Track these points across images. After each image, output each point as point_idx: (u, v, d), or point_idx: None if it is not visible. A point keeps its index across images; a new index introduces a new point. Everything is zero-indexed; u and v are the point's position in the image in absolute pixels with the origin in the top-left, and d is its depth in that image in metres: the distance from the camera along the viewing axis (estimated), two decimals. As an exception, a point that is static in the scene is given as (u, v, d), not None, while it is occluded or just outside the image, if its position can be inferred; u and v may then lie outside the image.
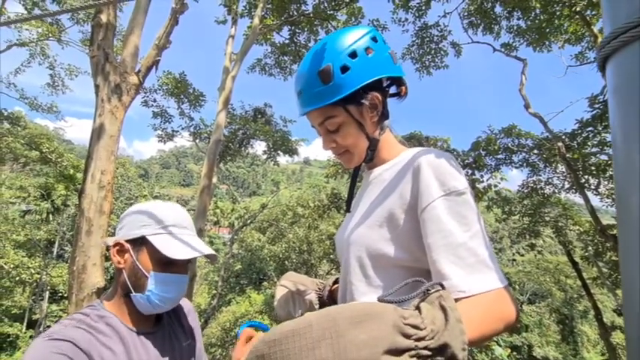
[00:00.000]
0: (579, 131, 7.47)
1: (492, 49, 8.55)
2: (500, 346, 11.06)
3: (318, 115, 0.79)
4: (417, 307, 0.49)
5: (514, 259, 26.45)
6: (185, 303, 1.06)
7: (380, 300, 0.51)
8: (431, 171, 0.68)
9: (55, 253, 17.46)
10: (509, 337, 20.95)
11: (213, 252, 0.91)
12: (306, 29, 8.46)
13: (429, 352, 0.43)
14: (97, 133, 3.52)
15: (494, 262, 0.63)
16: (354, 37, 0.75)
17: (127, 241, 0.86)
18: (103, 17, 3.57)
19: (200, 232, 5.19)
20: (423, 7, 8.20)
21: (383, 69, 0.77)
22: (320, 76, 0.74)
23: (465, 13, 8.71)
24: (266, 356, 0.41)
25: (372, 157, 0.82)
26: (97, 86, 3.55)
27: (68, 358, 0.71)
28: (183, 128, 10.14)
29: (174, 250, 0.84)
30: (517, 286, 24.41)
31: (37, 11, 10.40)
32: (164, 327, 0.94)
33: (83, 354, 0.74)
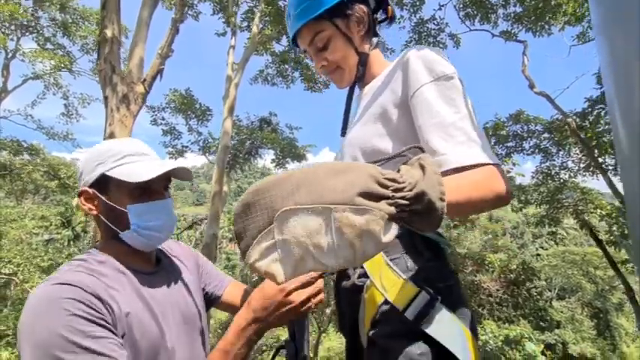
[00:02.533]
0: (590, 109, 7.30)
1: (491, 35, 8.54)
2: (532, 341, 10.60)
3: (307, 33, 0.81)
4: (398, 169, 0.50)
5: (538, 254, 25.59)
6: (185, 248, 1.05)
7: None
8: (419, 60, 0.70)
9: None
10: (541, 335, 20.09)
11: (183, 165, 0.84)
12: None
13: (406, 202, 0.45)
14: (108, 141, 3.65)
15: (484, 142, 0.63)
16: None
17: (90, 186, 0.80)
18: (108, 32, 3.75)
19: (213, 238, 5.26)
20: (417, 3, 8.29)
21: None
22: None
23: (461, 5, 8.75)
24: (251, 204, 0.43)
25: (364, 73, 0.84)
26: (105, 98, 3.71)
27: (77, 301, 0.66)
28: (192, 143, 10.40)
29: (138, 174, 0.77)
30: (544, 282, 23.52)
31: (49, 46, 10.98)
32: (165, 267, 0.91)
33: (92, 296, 0.68)
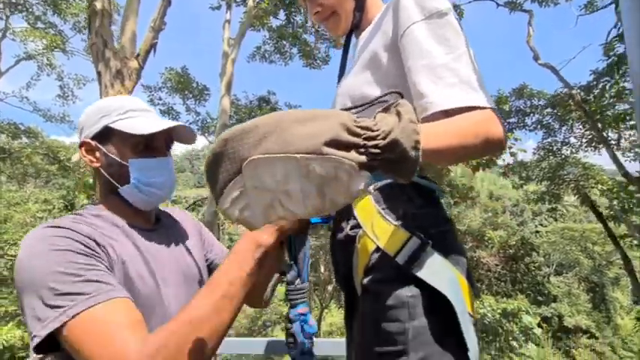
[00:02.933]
0: (595, 83, 7.14)
1: (495, 4, 8.23)
2: (529, 314, 10.87)
3: None
4: (374, 116, 0.48)
5: (537, 231, 25.86)
6: (188, 215, 1.03)
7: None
8: None
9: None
10: (538, 308, 20.63)
11: (183, 123, 0.82)
12: (301, 9, 8.36)
13: (378, 150, 0.43)
14: (104, 119, 3.60)
15: (480, 84, 0.59)
16: None
17: (92, 138, 0.79)
18: (98, 4, 3.62)
19: (215, 216, 5.29)
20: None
21: None
22: None
23: (464, -24, 8.41)
24: (220, 154, 0.43)
25: (360, 20, 0.80)
26: (98, 73, 3.63)
27: (71, 239, 0.66)
28: (190, 123, 10.30)
29: (142, 128, 0.76)
30: (542, 258, 23.89)
31: (40, 25, 10.67)
32: (165, 226, 0.89)
33: (87, 238, 0.68)
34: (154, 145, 0.81)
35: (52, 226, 0.68)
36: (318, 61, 9.21)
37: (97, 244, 0.69)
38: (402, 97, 0.51)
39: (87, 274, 0.63)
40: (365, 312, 0.65)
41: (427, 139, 0.49)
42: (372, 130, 0.43)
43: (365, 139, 0.43)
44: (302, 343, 0.64)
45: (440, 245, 0.62)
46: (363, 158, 0.42)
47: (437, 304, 0.58)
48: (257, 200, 0.43)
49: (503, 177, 9.97)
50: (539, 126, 9.29)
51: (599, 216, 8.80)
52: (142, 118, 0.80)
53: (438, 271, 0.60)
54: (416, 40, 0.62)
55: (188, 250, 0.90)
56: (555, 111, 8.30)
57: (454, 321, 0.58)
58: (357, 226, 0.68)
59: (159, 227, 0.87)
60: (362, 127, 0.43)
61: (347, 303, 0.80)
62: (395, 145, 0.43)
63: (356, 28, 0.82)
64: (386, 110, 0.47)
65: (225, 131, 0.45)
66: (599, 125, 7.20)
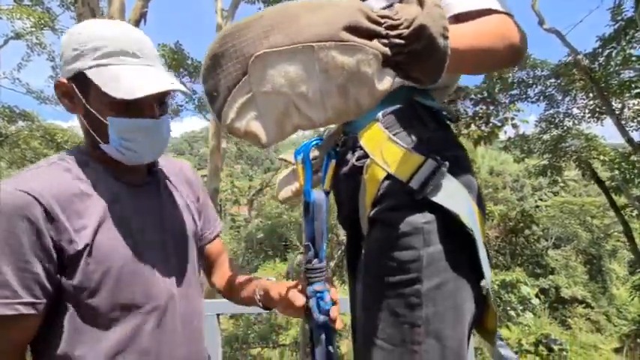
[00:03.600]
0: (600, 50, 6.94)
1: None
2: (527, 285, 11.13)
3: None
4: (392, 7, 0.43)
5: (537, 206, 26.04)
6: (192, 173, 0.94)
7: None
8: None
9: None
10: (535, 281, 21.10)
11: (179, 87, 0.67)
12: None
13: (402, 41, 0.38)
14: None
15: None
16: None
17: (68, 79, 0.66)
18: (83, -29, 3.45)
19: (215, 193, 5.27)
20: None
21: None
22: None
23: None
24: (219, 55, 0.37)
25: None
26: (88, 45, 3.51)
27: (18, 219, 0.58)
28: (187, 102, 10.12)
29: (120, 87, 0.62)
30: (541, 232, 24.18)
31: (26, 2, 10.28)
32: (159, 181, 0.80)
33: (41, 211, 0.59)
34: (141, 102, 0.65)
35: (12, 189, 0.59)
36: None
37: (53, 217, 0.61)
38: None
39: (7, 272, 0.58)
40: (374, 244, 0.62)
41: (452, 38, 0.44)
42: (394, 19, 0.39)
43: (387, 27, 0.38)
44: (317, 319, 0.64)
45: (454, 169, 0.58)
46: (387, 50, 0.38)
47: (452, 230, 0.56)
48: (268, 107, 0.38)
49: (504, 151, 9.90)
50: (541, 97, 9.13)
51: (601, 184, 8.80)
52: (125, 68, 0.64)
53: (454, 195, 0.57)
54: None
55: (179, 210, 0.81)
56: (559, 81, 8.12)
57: (470, 247, 0.55)
58: (364, 156, 0.64)
59: (151, 182, 0.78)
60: (382, 16, 0.39)
61: (350, 249, 0.77)
62: (422, 31, 0.38)
63: None
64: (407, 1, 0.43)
65: (225, 27, 0.40)
66: (605, 93, 7.06)
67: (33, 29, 9.71)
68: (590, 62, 7.05)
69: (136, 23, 3.71)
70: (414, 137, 0.61)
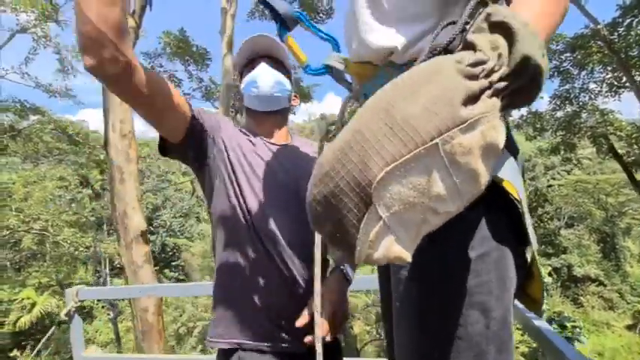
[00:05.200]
0: (621, 19, 6.62)
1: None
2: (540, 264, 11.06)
3: None
4: (466, 45, 0.38)
5: (550, 185, 25.62)
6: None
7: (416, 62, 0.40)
8: None
9: (105, 231, 19.00)
10: (547, 260, 21.00)
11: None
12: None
13: (505, 83, 0.34)
14: (108, 82, 3.53)
15: None
16: None
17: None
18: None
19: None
20: None
21: None
22: None
23: None
24: (328, 196, 0.34)
25: None
26: (96, 34, 3.49)
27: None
28: (194, 90, 10.08)
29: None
30: (554, 211, 23.88)
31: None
32: (289, 150, 0.95)
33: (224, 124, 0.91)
34: (253, 65, 0.94)
35: None
36: (322, 15, 8.71)
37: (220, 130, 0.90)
38: (480, 5, 0.40)
39: None
40: None
41: (540, 26, 0.40)
42: (485, 61, 0.34)
43: (485, 76, 0.34)
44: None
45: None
46: (498, 101, 0.34)
47: (498, 196, 0.52)
48: (404, 226, 0.34)
49: (516, 129, 9.67)
50: (555, 73, 8.82)
51: (620, 159, 8.56)
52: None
53: (501, 160, 0.53)
54: None
55: (298, 182, 0.90)
56: (575, 55, 7.82)
57: (515, 214, 0.53)
58: None
59: (282, 146, 0.94)
60: (473, 64, 0.34)
61: None
62: (524, 63, 0.34)
63: None
64: (474, 30, 0.38)
65: (318, 161, 0.35)
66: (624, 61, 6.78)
67: (37, 22, 9.69)
68: (609, 33, 6.74)
69: (142, 10, 3.67)
70: None
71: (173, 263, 21.71)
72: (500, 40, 0.35)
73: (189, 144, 0.84)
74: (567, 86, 8.81)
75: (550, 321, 9.36)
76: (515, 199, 0.52)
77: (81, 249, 12.07)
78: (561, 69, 8.73)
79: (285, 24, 0.65)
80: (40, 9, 8.72)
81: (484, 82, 0.34)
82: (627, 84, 7.51)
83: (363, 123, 0.33)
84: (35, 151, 13.07)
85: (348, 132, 0.34)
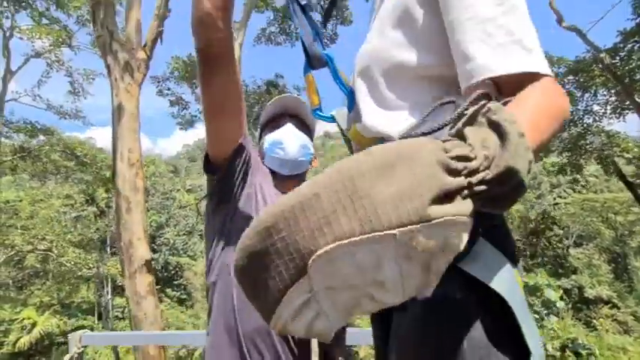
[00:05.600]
0: (622, 45, 6.70)
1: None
2: (551, 288, 10.76)
3: None
4: (459, 134, 0.36)
5: (556, 204, 25.30)
6: None
7: (404, 137, 0.39)
8: None
9: (108, 249, 18.95)
10: (557, 280, 20.46)
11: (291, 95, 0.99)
12: (305, -14, 8.05)
13: (484, 187, 0.32)
14: (117, 113, 3.60)
15: (537, 45, 0.48)
16: None
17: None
18: (101, -5, 3.54)
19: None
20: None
21: None
22: None
23: None
24: (262, 253, 0.31)
25: None
26: (107, 66, 3.59)
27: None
28: (200, 112, 10.26)
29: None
30: (562, 230, 23.48)
31: (45, 21, 10.66)
32: None
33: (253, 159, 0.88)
34: (278, 123, 0.95)
35: None
36: (326, 40, 8.93)
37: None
38: (489, 100, 0.39)
39: None
40: (406, 318, 0.56)
41: (532, 135, 0.38)
42: (471, 159, 0.32)
43: (467, 174, 0.32)
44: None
45: (491, 235, 0.52)
46: (470, 206, 0.31)
47: (491, 304, 0.49)
48: (334, 303, 0.32)
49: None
50: (559, 94, 8.88)
51: (628, 184, 8.45)
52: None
53: (491, 265, 0.51)
54: None
55: None
56: (577, 78, 7.88)
57: (512, 321, 0.50)
58: None
59: None
60: (459, 158, 0.32)
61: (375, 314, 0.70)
62: (509, 175, 0.32)
63: None
64: (470, 120, 0.36)
65: (262, 214, 0.32)
66: (627, 86, 6.81)
67: (51, 47, 10.04)
68: (611, 57, 6.82)
69: (153, 43, 3.78)
70: None
71: (175, 282, 21.49)
72: (492, 141, 0.34)
73: (234, 163, 0.82)
74: (571, 108, 8.83)
75: (564, 348, 9.01)
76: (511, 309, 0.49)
77: (84, 270, 12.03)
78: (564, 91, 8.79)
79: (311, 62, 0.65)
80: (55, 36, 9.05)
81: (463, 181, 0.32)
82: (631, 107, 7.53)
83: (325, 187, 0.30)
84: (44, 170, 13.26)
85: (306, 192, 0.30)
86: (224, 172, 0.83)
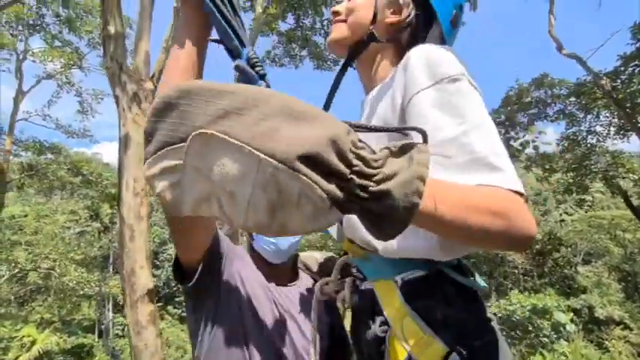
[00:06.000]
0: (622, 68, 6.76)
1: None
2: (561, 310, 10.49)
3: None
4: (387, 149, 0.37)
5: (562, 220, 24.95)
6: None
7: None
8: (419, 60, 0.57)
9: (110, 267, 18.88)
10: (566, 300, 19.95)
11: None
12: (310, 12, 8.27)
13: (364, 195, 0.34)
14: (124, 142, 3.66)
15: (503, 162, 0.47)
16: None
17: None
18: (112, 28, 3.66)
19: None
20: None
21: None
22: None
23: (476, -37, 8.08)
24: (170, 105, 0.33)
25: (357, 53, 0.71)
26: (116, 97, 3.67)
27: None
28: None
29: None
30: (569, 248, 23.04)
31: (57, 44, 11.02)
32: (302, 285, 0.92)
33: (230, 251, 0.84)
34: None
35: None
36: (329, 63, 9.11)
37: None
38: (426, 140, 0.40)
39: None
40: None
41: (433, 200, 0.40)
42: (370, 166, 0.34)
43: (355, 172, 0.33)
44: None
45: None
46: (341, 195, 0.33)
47: None
48: (192, 184, 0.34)
49: (525, 170, 9.61)
50: (561, 115, 8.90)
51: (633, 208, 8.34)
52: None
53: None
54: (421, 111, 0.53)
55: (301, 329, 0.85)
56: (579, 100, 7.92)
57: None
58: (386, 322, 0.59)
59: (294, 285, 0.91)
60: (358, 157, 0.34)
61: None
62: (384, 197, 0.34)
63: (351, 58, 0.73)
64: (400, 151, 0.37)
65: (193, 80, 0.36)
66: (629, 112, 6.82)
67: (62, 69, 10.33)
68: (611, 81, 6.87)
69: (161, 74, 3.88)
70: (436, 316, 0.55)
71: (177, 299, 21.27)
72: (401, 167, 0.35)
73: (208, 263, 0.79)
74: (574, 129, 8.84)
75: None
76: None
77: (86, 289, 11.98)
78: (566, 112, 8.81)
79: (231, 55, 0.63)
80: (66, 59, 9.33)
81: (346, 172, 0.33)
82: (633, 130, 7.51)
83: (243, 94, 0.33)
84: (50, 187, 13.41)
85: (231, 86, 0.33)
86: (198, 276, 0.78)
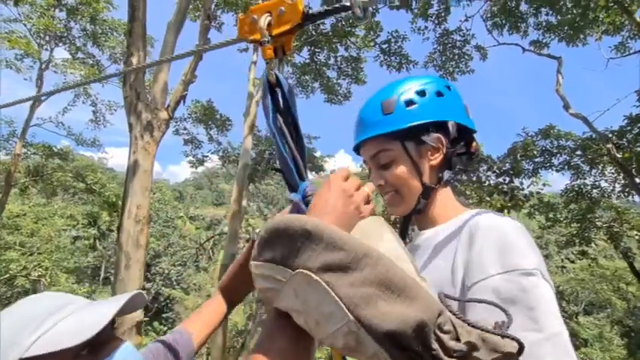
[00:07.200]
0: (628, 128, 6.85)
1: (522, 49, 8.13)
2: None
3: (373, 146, 0.72)
4: (469, 343, 0.37)
5: (563, 266, 24.39)
6: None
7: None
8: (489, 239, 0.56)
9: (101, 278, 18.57)
10: (565, 353, 19.09)
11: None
12: (325, 47, 8.58)
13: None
14: (132, 169, 3.70)
15: None
16: (427, 80, 0.72)
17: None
18: (134, 60, 3.80)
19: (233, 257, 5.27)
20: (443, 14, 8.05)
21: (452, 114, 0.70)
22: (382, 106, 0.70)
23: (488, 15, 8.43)
24: (287, 235, 0.39)
25: (423, 208, 0.72)
26: (130, 124, 3.76)
27: None
28: (212, 152, 10.54)
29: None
30: (569, 297, 22.42)
31: (80, 55, 11.42)
32: None
33: None
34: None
35: None
36: (340, 97, 9.33)
37: None
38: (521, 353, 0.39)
39: None
40: None
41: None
42: (448, 354, 0.35)
43: (432, 356, 0.35)
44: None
45: None
46: None
47: None
48: (287, 298, 0.39)
49: (528, 217, 9.54)
50: (566, 167, 8.93)
51: (637, 274, 8.17)
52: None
53: None
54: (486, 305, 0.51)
55: None
56: (585, 153, 7.97)
57: None
58: None
59: None
60: (439, 340, 0.35)
61: None
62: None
63: (417, 213, 0.74)
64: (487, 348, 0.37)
65: (309, 217, 0.40)
66: (634, 172, 6.84)
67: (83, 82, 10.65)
68: (617, 139, 6.94)
69: (176, 105, 3.99)
70: None
71: (164, 315, 20.69)
72: (500, 344, 0.36)
73: None
74: (579, 182, 8.83)
75: None
76: None
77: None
78: (571, 163, 8.84)
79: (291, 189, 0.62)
80: (87, 72, 9.64)
81: (436, 348, 0.36)
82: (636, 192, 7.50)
83: (364, 253, 0.37)
84: (53, 189, 13.45)
85: (351, 242, 0.38)
86: None
